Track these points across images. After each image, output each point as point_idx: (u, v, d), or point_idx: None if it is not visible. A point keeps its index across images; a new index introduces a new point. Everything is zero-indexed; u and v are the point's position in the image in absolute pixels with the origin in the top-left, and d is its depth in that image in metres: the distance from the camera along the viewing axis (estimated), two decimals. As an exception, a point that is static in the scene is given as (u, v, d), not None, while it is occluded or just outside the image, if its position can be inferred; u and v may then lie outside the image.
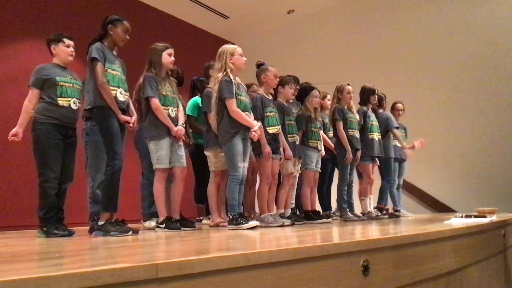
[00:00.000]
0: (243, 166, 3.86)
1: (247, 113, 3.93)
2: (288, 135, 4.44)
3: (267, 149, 4.05)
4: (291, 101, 4.73)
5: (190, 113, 4.73)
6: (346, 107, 5.14)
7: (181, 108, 3.91)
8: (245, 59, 4.00)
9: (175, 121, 3.76)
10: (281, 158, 4.29)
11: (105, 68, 3.35)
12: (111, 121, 3.32)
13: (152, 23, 7.29)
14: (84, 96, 3.53)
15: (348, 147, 4.95)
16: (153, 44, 3.85)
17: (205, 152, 4.27)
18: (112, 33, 3.46)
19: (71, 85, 3.69)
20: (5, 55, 5.62)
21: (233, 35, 8.54)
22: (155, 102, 3.65)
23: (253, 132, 3.87)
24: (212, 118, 4.00)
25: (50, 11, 6.02)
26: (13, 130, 3.58)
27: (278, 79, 4.34)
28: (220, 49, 3.99)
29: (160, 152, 3.67)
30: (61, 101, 3.61)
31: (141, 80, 4.13)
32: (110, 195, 3.32)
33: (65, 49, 3.74)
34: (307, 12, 8.74)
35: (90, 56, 3.33)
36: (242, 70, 4.02)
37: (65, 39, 3.74)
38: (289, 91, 4.54)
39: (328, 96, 5.57)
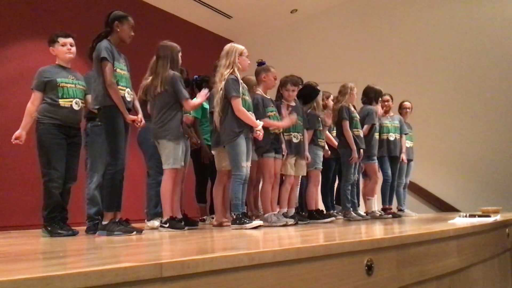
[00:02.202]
0: (246, 166, 3.86)
1: (250, 112, 3.93)
2: (286, 133, 4.42)
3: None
4: (294, 104, 4.66)
5: (195, 114, 4.71)
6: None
7: None
8: (249, 61, 4.02)
9: None
10: (283, 155, 4.29)
11: (114, 68, 3.33)
12: (118, 120, 3.32)
13: (155, 23, 7.29)
14: (91, 95, 3.49)
15: (354, 147, 4.95)
16: (161, 42, 3.84)
17: (213, 151, 4.26)
18: (119, 30, 3.41)
19: (73, 85, 3.66)
20: (7, 55, 5.63)
21: (236, 34, 8.53)
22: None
23: (258, 132, 3.88)
24: (216, 116, 3.96)
25: (53, 11, 6.03)
26: (17, 133, 3.56)
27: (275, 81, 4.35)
28: (228, 46, 3.98)
29: (178, 152, 3.71)
30: (63, 102, 3.58)
31: (147, 80, 4.13)
32: (112, 194, 3.31)
33: (61, 49, 3.68)
34: (310, 12, 8.72)
35: (100, 56, 3.28)
36: (245, 71, 4.07)
37: (59, 38, 3.67)
38: (285, 93, 4.47)
39: (331, 96, 5.57)
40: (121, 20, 3.43)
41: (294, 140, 4.44)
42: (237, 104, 3.81)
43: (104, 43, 3.33)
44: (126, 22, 3.45)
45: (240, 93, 3.83)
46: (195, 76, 4.99)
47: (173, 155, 3.69)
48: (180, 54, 3.83)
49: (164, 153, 3.71)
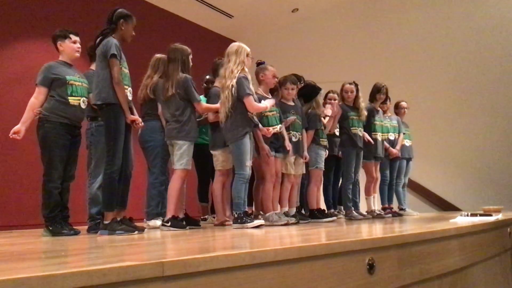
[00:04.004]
0: (249, 165, 3.86)
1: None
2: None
3: (266, 149, 4.07)
4: (293, 103, 4.66)
5: None
6: (352, 105, 5.13)
7: None
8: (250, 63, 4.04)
9: None
10: (288, 151, 4.29)
11: (120, 66, 3.33)
12: (120, 120, 3.32)
13: (157, 22, 7.30)
14: (93, 91, 3.45)
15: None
16: (172, 45, 3.86)
17: (212, 152, 4.25)
18: (123, 28, 3.41)
19: (80, 83, 3.65)
20: (11, 55, 5.65)
21: (237, 34, 8.54)
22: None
23: (271, 130, 4.02)
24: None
25: (56, 11, 6.04)
26: (15, 128, 3.51)
27: (276, 79, 4.34)
28: (237, 45, 3.97)
29: (191, 154, 3.78)
30: (72, 100, 3.57)
31: (156, 79, 4.12)
32: (111, 194, 3.31)
33: (71, 45, 3.69)
34: (311, 11, 8.73)
35: (109, 53, 3.27)
36: None
37: (71, 35, 3.69)
38: (284, 92, 4.49)
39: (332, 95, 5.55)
40: (126, 19, 3.44)
41: (293, 139, 4.44)
42: (251, 101, 3.83)
43: (113, 40, 3.33)
44: (131, 21, 3.47)
45: (252, 90, 3.86)
46: (208, 76, 4.96)
47: (187, 156, 3.73)
48: (191, 56, 3.86)
49: (178, 153, 3.73)
